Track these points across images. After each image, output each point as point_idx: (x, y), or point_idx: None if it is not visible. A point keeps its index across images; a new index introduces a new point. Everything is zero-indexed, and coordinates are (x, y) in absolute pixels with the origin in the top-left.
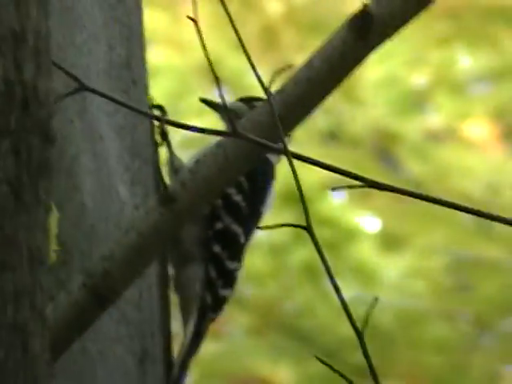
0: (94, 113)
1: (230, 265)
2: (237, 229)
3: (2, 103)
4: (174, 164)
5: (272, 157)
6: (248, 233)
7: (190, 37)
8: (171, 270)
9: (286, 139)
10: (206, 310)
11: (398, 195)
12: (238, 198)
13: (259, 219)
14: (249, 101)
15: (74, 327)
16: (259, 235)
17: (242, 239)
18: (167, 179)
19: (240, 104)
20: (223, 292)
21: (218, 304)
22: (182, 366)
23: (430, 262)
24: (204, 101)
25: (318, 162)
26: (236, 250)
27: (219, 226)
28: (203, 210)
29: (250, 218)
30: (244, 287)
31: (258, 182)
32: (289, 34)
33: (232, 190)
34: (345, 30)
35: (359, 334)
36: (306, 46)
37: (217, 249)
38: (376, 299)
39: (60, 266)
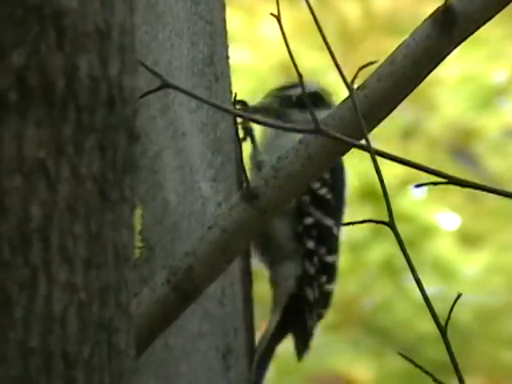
0: (176, 110)
1: (329, 258)
2: (329, 221)
3: (88, 100)
4: (258, 159)
5: None
6: (338, 224)
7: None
8: (266, 268)
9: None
10: (312, 307)
11: (476, 192)
12: (323, 191)
13: (342, 213)
14: (280, 91)
15: (157, 323)
16: None
17: (335, 230)
18: (250, 175)
19: (270, 99)
20: (328, 287)
21: (325, 299)
22: (264, 353)
23: (508, 258)
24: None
25: (402, 159)
26: (332, 243)
27: (309, 221)
28: (286, 207)
29: (337, 211)
30: None
31: (338, 177)
32: (367, 37)
33: (316, 185)
34: (428, 25)
35: (442, 330)
36: (383, 49)
37: (311, 244)
38: (459, 295)
39: (143, 262)
